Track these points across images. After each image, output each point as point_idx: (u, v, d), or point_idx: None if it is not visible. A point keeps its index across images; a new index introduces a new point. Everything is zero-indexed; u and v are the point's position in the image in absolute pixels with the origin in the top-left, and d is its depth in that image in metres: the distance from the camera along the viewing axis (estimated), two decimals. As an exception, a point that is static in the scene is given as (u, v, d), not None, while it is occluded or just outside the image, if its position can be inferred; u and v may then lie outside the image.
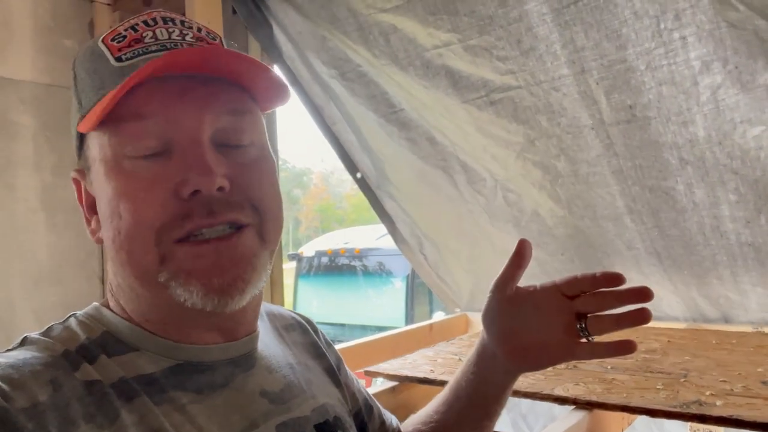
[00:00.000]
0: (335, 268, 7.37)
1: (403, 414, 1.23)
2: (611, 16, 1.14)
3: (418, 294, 6.34)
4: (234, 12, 1.48)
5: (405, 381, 1.20)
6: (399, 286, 6.68)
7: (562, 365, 1.18)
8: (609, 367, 1.16)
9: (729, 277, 1.49)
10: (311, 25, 1.46)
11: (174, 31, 0.52)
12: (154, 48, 0.50)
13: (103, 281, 1.53)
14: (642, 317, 0.60)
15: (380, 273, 6.97)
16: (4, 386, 0.42)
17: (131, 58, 0.50)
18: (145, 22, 0.52)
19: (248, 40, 1.51)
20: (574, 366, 1.18)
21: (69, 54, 1.52)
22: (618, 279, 0.63)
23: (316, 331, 0.73)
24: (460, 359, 1.32)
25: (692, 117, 1.21)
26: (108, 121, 0.49)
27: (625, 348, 0.63)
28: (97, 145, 0.51)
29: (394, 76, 1.46)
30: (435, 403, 0.77)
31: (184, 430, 0.48)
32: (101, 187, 0.51)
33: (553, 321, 0.65)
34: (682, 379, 1.05)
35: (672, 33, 1.13)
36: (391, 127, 1.60)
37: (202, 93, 0.50)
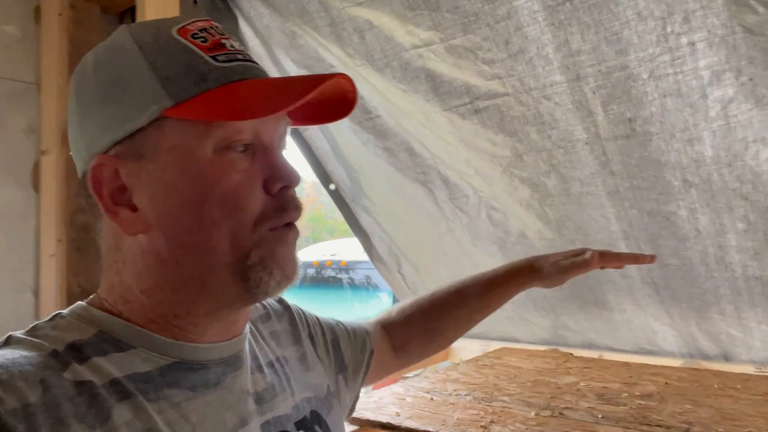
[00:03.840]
0: (321, 279, 7.22)
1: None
2: (611, 16, 1.01)
3: (404, 309, 6.19)
4: (195, 2, 1.34)
5: (366, 426, 1.05)
6: (385, 300, 6.53)
7: (547, 413, 1.04)
8: (600, 416, 1.02)
9: (732, 313, 1.35)
10: (280, 18, 1.32)
11: (235, 43, 0.55)
12: (240, 57, 0.54)
13: (36, 295, 1.37)
14: None
15: (366, 286, 6.82)
16: None
17: (227, 61, 0.53)
18: (207, 30, 0.55)
19: (210, 33, 1.37)
20: (560, 414, 1.03)
21: (9, 41, 1.37)
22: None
23: (288, 308, 0.74)
24: (432, 398, 1.17)
25: (699, 134, 1.07)
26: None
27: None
28: (177, 131, 0.51)
29: (369, 78, 1.32)
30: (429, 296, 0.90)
31: (178, 427, 0.49)
32: (177, 174, 0.51)
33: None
34: (684, 436, 0.90)
35: (680, 38, 1.00)
36: (367, 135, 1.46)
37: None
